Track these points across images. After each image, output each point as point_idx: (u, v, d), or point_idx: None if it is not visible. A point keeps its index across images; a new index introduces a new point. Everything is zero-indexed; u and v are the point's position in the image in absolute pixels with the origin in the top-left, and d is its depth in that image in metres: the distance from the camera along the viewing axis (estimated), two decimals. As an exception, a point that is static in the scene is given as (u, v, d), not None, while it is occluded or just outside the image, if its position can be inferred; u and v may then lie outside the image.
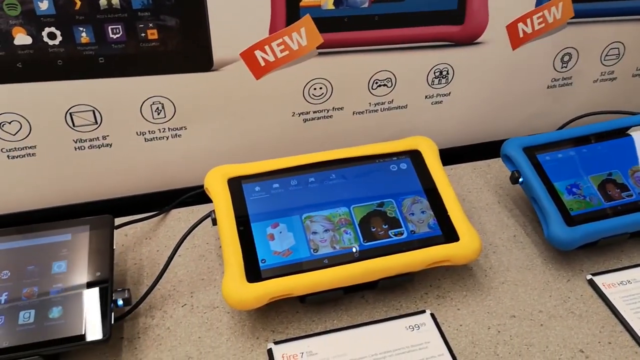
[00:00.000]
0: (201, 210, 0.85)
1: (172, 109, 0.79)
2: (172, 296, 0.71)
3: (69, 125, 0.76)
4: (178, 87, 0.77)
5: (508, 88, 0.94)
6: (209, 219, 0.71)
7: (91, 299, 0.60)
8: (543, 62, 0.93)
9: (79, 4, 0.67)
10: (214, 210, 0.70)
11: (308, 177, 0.73)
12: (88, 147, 0.79)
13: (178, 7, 0.70)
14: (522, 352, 0.66)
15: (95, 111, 0.76)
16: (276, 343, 0.65)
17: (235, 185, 0.71)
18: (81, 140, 0.78)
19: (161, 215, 0.83)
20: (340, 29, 0.79)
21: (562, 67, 0.94)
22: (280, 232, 0.68)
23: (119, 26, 0.70)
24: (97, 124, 0.77)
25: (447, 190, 0.74)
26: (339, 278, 0.65)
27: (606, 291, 0.72)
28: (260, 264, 0.65)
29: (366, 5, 0.78)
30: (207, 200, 0.85)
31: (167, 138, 0.82)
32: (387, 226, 0.70)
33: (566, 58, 0.93)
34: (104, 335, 0.58)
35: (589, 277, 0.74)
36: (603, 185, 0.78)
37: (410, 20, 0.81)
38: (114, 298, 0.61)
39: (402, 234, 0.69)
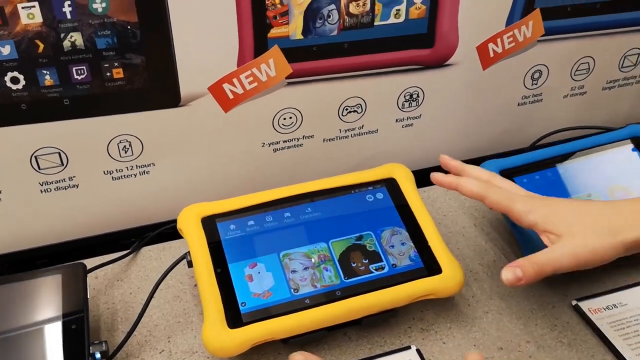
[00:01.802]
0: (172, 247, 0.86)
1: (140, 146, 0.80)
2: (148, 342, 0.72)
3: (34, 169, 0.76)
4: (145, 124, 0.78)
5: (479, 107, 0.97)
6: (183, 261, 0.72)
7: (68, 354, 0.61)
8: (513, 80, 0.96)
9: (42, 46, 0.67)
10: (188, 252, 0.71)
11: (283, 213, 0.75)
12: (54, 189, 0.79)
13: (144, 45, 0.71)
14: (509, 384, 0.68)
15: (61, 153, 0.76)
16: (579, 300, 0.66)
17: (210, 224, 0.72)
18: (47, 182, 0.78)
19: (131, 255, 0.83)
20: (309, 58, 0.80)
21: (532, 84, 0.98)
22: (259, 273, 0.70)
23: (84, 67, 0.70)
24: (63, 165, 0.77)
25: (425, 220, 0.76)
26: (322, 319, 0.67)
27: (593, 317, 0.74)
28: (241, 308, 0.67)
29: (335, 33, 0.80)
30: (178, 236, 0.86)
31: (135, 175, 0.82)
32: (367, 261, 0.72)
33: (536, 75, 0.97)
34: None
35: (574, 302, 0.76)
36: (579, 206, 0.81)
37: (380, 46, 0.83)
38: (91, 352, 0.61)
39: (383, 268, 0.71)
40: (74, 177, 0.79)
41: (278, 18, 0.76)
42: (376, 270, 0.71)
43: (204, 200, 0.76)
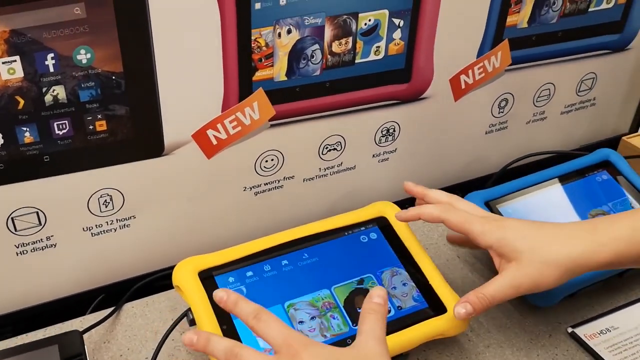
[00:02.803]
0: (155, 301, 0.83)
1: (121, 200, 0.77)
2: (151, 409, 0.69)
3: (10, 231, 0.72)
4: (127, 176, 0.76)
5: (450, 138, 0.99)
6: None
7: None
8: (482, 110, 0.99)
9: (22, 102, 0.64)
10: (189, 310, 0.69)
11: (281, 260, 0.74)
12: (31, 250, 0.75)
13: (129, 95, 0.69)
14: (523, 417, 0.69)
15: (39, 212, 0.73)
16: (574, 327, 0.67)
17: (207, 278, 0.70)
18: (23, 244, 0.74)
19: (115, 314, 0.80)
20: (292, 99, 0.80)
21: (499, 113, 1.01)
22: (266, 326, 0.68)
23: (66, 121, 0.68)
24: (41, 225, 0.74)
25: (422, 257, 0.77)
26: None
27: (590, 342, 0.76)
28: (253, 365, 0.65)
29: (318, 73, 0.80)
30: (160, 289, 0.83)
31: (115, 230, 0.79)
32: None
33: (503, 103, 1.00)
34: None
35: (570, 330, 0.78)
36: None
37: (360, 83, 0.84)
38: None
39: (389, 311, 0.71)
40: (52, 236, 0.76)
41: (263, 60, 0.75)
42: None
43: (186, 251, 0.74)
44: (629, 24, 1.03)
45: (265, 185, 0.86)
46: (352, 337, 0.67)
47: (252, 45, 0.73)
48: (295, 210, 0.90)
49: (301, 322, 0.68)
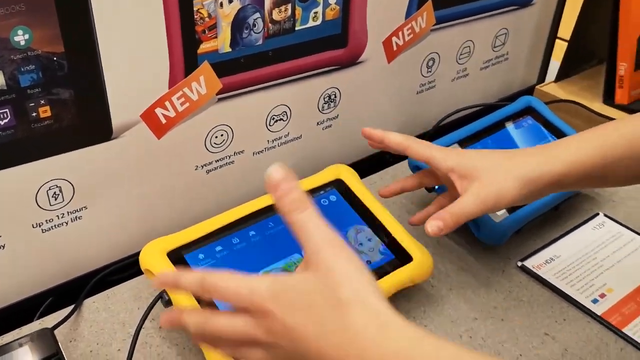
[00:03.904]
0: (116, 292, 0.76)
1: (71, 191, 0.70)
2: (134, 399, 0.63)
3: (-46, 236, 0.63)
4: (76, 165, 0.68)
5: (386, 99, 0.97)
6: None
7: None
8: (412, 70, 0.97)
9: (-43, 92, 0.56)
10: (164, 291, 0.63)
11: (248, 232, 0.69)
12: (-24, 255, 0.66)
13: (72, 77, 0.62)
14: (500, 350, 0.68)
15: (-16, 212, 0.64)
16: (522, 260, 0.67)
17: (177, 257, 0.65)
18: (-32, 249, 0.65)
19: (76, 311, 0.72)
20: (237, 71, 0.75)
21: (427, 72, 1.00)
22: (245, 297, 0.63)
23: (7, 110, 0.60)
24: (-15, 226, 0.65)
25: (382, 212, 0.74)
26: None
27: (539, 272, 0.78)
28: (239, 337, 0.60)
29: (260, 42, 0.75)
30: (120, 281, 0.77)
31: (67, 223, 0.72)
32: None
33: (430, 63, 0.99)
34: None
35: (520, 263, 0.79)
36: (507, 175, 0.84)
37: (301, 50, 0.80)
38: None
39: None
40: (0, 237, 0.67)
41: (207, 32, 0.70)
42: None
43: (142, 238, 0.68)
44: (533, -21, 1.04)
45: (216, 162, 0.81)
46: None
47: (195, 16, 0.68)
48: (248, 186, 0.85)
49: None
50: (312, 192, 0.74)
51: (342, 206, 0.74)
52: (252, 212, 0.71)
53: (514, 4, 1.06)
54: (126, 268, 0.79)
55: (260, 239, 0.69)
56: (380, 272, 0.68)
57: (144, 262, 0.64)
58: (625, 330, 0.70)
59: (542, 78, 1.23)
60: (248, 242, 0.68)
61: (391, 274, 0.68)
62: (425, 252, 0.71)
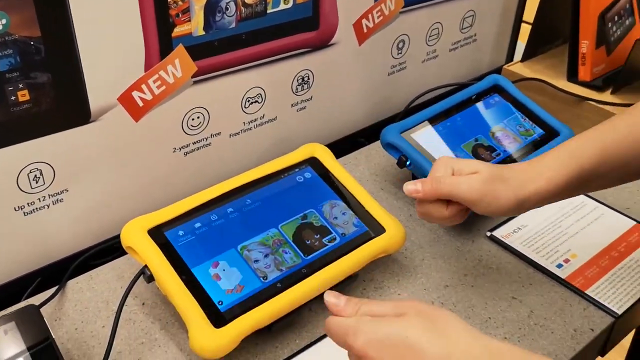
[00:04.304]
0: (99, 273, 0.77)
1: (52, 173, 0.71)
2: (119, 371, 0.64)
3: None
4: (55, 148, 0.69)
5: (358, 81, 0.98)
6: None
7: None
8: (383, 52, 0.99)
9: (-64, 77, 0.56)
10: (145, 266, 0.64)
11: (226, 209, 0.70)
12: (-41, 238, 0.67)
13: (49, 61, 0.63)
14: (470, 314, 0.70)
15: (-34, 195, 0.65)
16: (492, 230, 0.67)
17: (158, 235, 0.66)
18: (-48, 232, 0.66)
19: (60, 293, 0.73)
20: (212, 54, 0.76)
21: (398, 54, 1.01)
22: (224, 270, 0.65)
23: (-15, 94, 0.60)
24: (-32, 210, 0.66)
25: (355, 187, 0.76)
26: (299, 297, 0.64)
27: (506, 241, 0.80)
28: (220, 307, 0.62)
29: (233, 25, 0.76)
30: (101, 262, 0.78)
31: (49, 206, 0.73)
32: (319, 236, 0.70)
33: (401, 45, 1.00)
34: None
35: (489, 233, 0.81)
36: (475, 150, 0.86)
37: (274, 33, 0.81)
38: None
39: (334, 239, 0.70)
40: (-18, 220, 0.68)
41: (180, 15, 0.70)
42: (329, 242, 0.70)
43: (123, 220, 0.69)
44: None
45: (193, 144, 0.82)
46: (306, 267, 0.66)
47: (169, 0, 0.68)
48: (225, 167, 0.86)
49: (256, 260, 0.66)
50: (287, 169, 0.76)
51: (316, 182, 0.75)
52: (229, 190, 0.72)
53: (480, -14, 1.07)
54: (110, 251, 0.80)
55: (237, 215, 0.70)
56: (354, 243, 0.70)
57: (126, 239, 0.65)
58: (588, 291, 0.72)
59: (510, 59, 1.25)
60: (226, 219, 0.69)
61: (365, 245, 0.70)
62: (398, 224, 0.73)
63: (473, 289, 0.74)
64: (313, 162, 0.77)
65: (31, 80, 0.62)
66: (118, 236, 0.68)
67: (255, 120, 0.87)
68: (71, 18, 0.62)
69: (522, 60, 1.16)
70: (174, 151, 0.80)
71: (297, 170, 0.76)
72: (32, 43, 0.61)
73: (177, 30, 0.71)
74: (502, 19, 1.17)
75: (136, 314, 0.71)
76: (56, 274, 0.75)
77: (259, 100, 0.86)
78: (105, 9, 0.65)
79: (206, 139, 0.83)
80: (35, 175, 0.69)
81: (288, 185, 0.74)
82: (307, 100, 0.92)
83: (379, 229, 0.72)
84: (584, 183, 0.63)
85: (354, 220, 0.72)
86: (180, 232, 0.67)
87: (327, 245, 0.69)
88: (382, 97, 1.04)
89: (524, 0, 1.19)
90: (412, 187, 0.63)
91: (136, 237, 0.65)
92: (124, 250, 0.68)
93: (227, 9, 0.74)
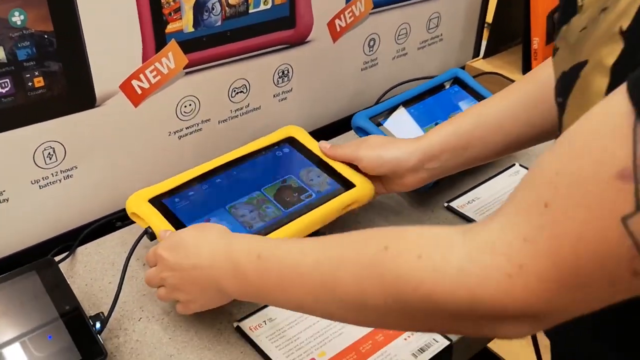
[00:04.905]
0: (106, 240, 0.85)
1: (63, 152, 0.80)
2: (125, 316, 0.73)
3: (-33, 187, 0.73)
4: (66, 129, 0.78)
5: (334, 75, 1.08)
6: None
7: (73, 328, 0.61)
8: (356, 49, 1.08)
9: (-34, 64, 0.65)
10: (149, 227, 0.73)
11: (215, 180, 0.79)
12: (-15, 205, 0.76)
13: (60, 52, 0.72)
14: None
15: (-9, 168, 0.74)
16: (239, 321, 0.70)
17: (157, 203, 0.75)
18: (-22, 200, 0.75)
19: (70, 258, 0.82)
20: (200, 48, 0.86)
21: (369, 51, 1.11)
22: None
23: (7, 80, 0.69)
24: (-7, 180, 0.75)
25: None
26: (289, 234, 0.73)
27: (462, 210, 0.89)
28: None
29: (219, 23, 0.85)
30: (108, 231, 0.86)
31: (60, 181, 0.82)
32: (297, 194, 0.79)
33: (372, 43, 1.10)
34: (104, 355, 0.59)
35: (446, 204, 0.91)
36: (435, 131, 0.95)
37: (255, 30, 0.90)
38: (91, 323, 0.62)
39: (311, 195, 0.79)
40: (4, 191, 0.77)
41: (172, 14, 0.80)
42: (306, 198, 0.78)
43: (125, 195, 0.77)
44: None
45: (186, 129, 0.91)
46: (287, 217, 0.75)
47: (162, 0, 0.78)
48: (215, 150, 0.94)
49: (243, 215, 0.75)
50: (268, 147, 0.85)
51: (294, 155, 0.84)
52: (219, 165, 0.81)
53: (445, -10, 1.17)
54: (113, 226, 0.88)
55: (225, 184, 0.79)
56: (328, 196, 0.79)
57: (131, 207, 0.74)
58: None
59: (476, 56, 1.34)
60: (215, 187, 0.78)
61: (338, 197, 0.78)
62: (366, 180, 0.81)
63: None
64: (291, 140, 0.86)
65: (45, 68, 0.71)
66: (122, 210, 0.77)
67: (241, 108, 0.97)
68: (79, 15, 0.71)
69: (484, 57, 1.25)
70: (169, 135, 0.90)
71: (276, 147, 0.85)
72: (46, 36, 0.70)
73: (170, 27, 0.80)
74: (466, 20, 1.26)
75: (138, 272, 0.79)
76: (68, 242, 0.83)
77: (244, 91, 0.95)
78: (108, 7, 0.74)
79: (197, 125, 0.92)
80: (49, 153, 0.78)
81: (270, 158, 0.84)
82: (288, 91, 1.02)
83: (350, 185, 0.80)
84: (464, 145, 0.74)
85: (327, 181, 0.81)
86: (176, 200, 0.76)
87: (304, 200, 0.78)
88: (357, 90, 1.13)
89: (486, 4, 1.28)
90: (323, 144, 0.83)
91: (139, 204, 0.74)
92: (126, 223, 0.77)
93: (213, 8, 0.83)
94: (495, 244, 0.39)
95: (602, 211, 0.34)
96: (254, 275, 0.55)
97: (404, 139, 0.79)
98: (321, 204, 0.77)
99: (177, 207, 0.74)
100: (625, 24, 0.39)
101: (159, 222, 0.71)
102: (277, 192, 0.78)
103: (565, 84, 0.46)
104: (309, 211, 0.76)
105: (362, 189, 0.80)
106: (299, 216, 0.75)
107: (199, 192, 0.77)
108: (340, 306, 0.49)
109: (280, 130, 0.88)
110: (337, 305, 0.49)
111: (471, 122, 0.74)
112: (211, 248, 0.61)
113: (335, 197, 0.78)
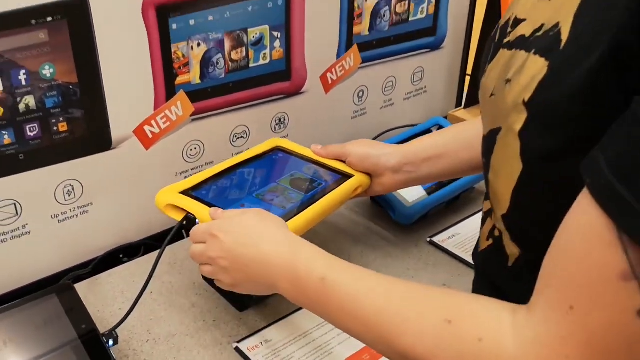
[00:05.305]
0: (115, 272, 0.92)
1: (81, 189, 0.87)
2: (134, 338, 0.78)
3: (-7, 222, 0.80)
4: (84, 169, 0.86)
5: (326, 122, 1.16)
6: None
7: (90, 347, 0.67)
8: (346, 100, 1.17)
9: (2, 111, 0.74)
10: (188, 214, 0.74)
11: (232, 177, 0.85)
12: (10, 238, 0.83)
13: (83, 100, 0.80)
14: (408, 296, 0.86)
15: (16, 204, 0.81)
16: (238, 342, 0.77)
17: (189, 194, 0.78)
18: (4, 233, 0.82)
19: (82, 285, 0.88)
20: (206, 98, 0.94)
21: (359, 101, 1.20)
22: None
23: (36, 124, 0.77)
24: (17, 215, 0.82)
25: (320, 158, 0.91)
26: (319, 212, 0.79)
27: (444, 245, 0.96)
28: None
29: (223, 76, 0.94)
30: (113, 265, 0.93)
31: (77, 216, 0.89)
32: (308, 183, 0.85)
33: (361, 94, 1.19)
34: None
35: (429, 239, 0.98)
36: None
37: (255, 82, 0.99)
38: (104, 340, 0.68)
39: (321, 184, 0.85)
40: (27, 224, 0.84)
41: (182, 68, 0.89)
42: (318, 185, 0.85)
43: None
44: (439, 29, 1.25)
45: (192, 170, 0.99)
46: (310, 199, 0.81)
47: (173, 56, 0.87)
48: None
49: (271, 200, 0.81)
50: (259, 156, 0.90)
51: (290, 158, 0.90)
52: (234, 164, 0.86)
53: (426, 47, 1.27)
54: (119, 254, 0.95)
55: (244, 179, 0.85)
56: (333, 185, 0.84)
57: (162, 201, 0.76)
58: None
59: (458, 106, 1.44)
60: (237, 181, 0.84)
61: (341, 185, 0.84)
62: (360, 173, 0.87)
63: (413, 280, 0.89)
64: (280, 149, 0.93)
65: (69, 115, 0.80)
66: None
67: (242, 152, 1.04)
68: (100, 69, 0.80)
69: (465, 107, 1.34)
70: (176, 175, 0.97)
71: (269, 154, 0.91)
72: (71, 87, 0.78)
73: (179, 79, 0.89)
74: (448, 73, 1.36)
75: (146, 299, 0.85)
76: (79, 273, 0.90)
77: (245, 136, 1.03)
78: (125, 62, 0.83)
79: (202, 167, 1.00)
80: (69, 190, 0.86)
81: (268, 162, 0.90)
82: (284, 137, 1.10)
83: (349, 175, 0.86)
84: (439, 155, 0.82)
85: (329, 173, 0.87)
86: (204, 192, 0.80)
87: (317, 187, 0.84)
88: (347, 136, 1.21)
89: (466, 58, 1.38)
90: (315, 146, 0.90)
91: (173, 196, 0.77)
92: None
93: (217, 63, 0.92)
94: (542, 338, 0.43)
95: (619, 308, 0.38)
96: (314, 295, 0.57)
97: (388, 144, 0.89)
98: (334, 188, 0.83)
99: (210, 196, 0.79)
100: (527, 96, 0.46)
101: (199, 208, 0.75)
102: (291, 182, 0.85)
103: (486, 147, 0.54)
104: (327, 193, 0.81)
105: (361, 178, 0.86)
106: (321, 197, 0.80)
107: (222, 186, 0.82)
108: (393, 353, 0.52)
109: (266, 142, 0.93)
110: (391, 351, 0.52)
111: (449, 137, 0.84)
112: (273, 248, 0.61)
113: (339, 185, 0.84)
